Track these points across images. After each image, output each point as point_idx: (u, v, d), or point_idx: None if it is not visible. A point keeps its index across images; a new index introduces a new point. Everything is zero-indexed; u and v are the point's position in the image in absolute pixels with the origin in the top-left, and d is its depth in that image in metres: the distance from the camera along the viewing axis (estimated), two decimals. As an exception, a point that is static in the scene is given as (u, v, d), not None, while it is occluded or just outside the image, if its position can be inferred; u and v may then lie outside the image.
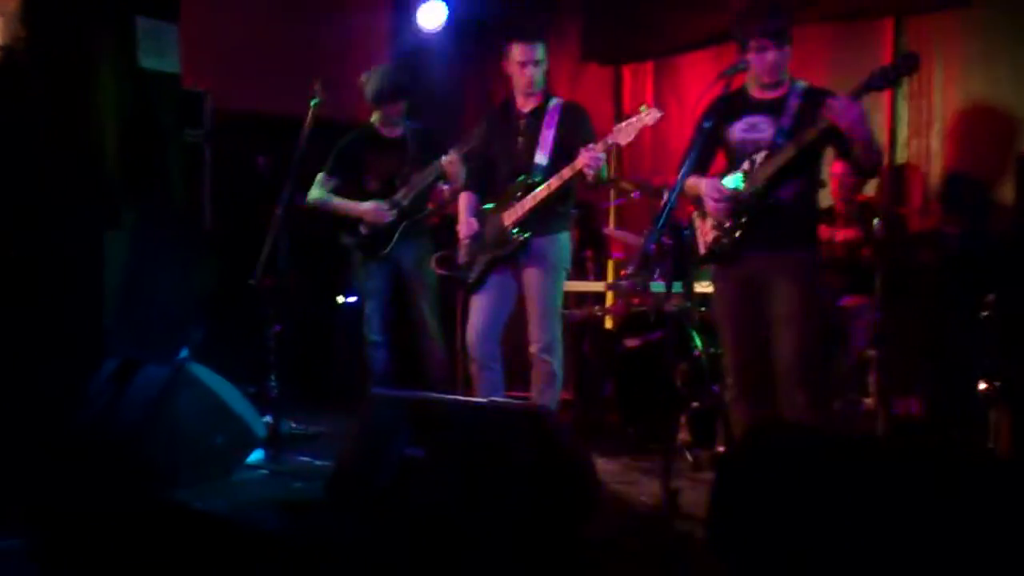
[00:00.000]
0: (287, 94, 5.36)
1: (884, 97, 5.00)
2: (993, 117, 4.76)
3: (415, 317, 4.99)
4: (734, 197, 3.57)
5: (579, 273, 5.56)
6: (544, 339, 4.20)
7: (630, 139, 3.97)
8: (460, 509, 2.97)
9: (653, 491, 3.50)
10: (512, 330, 4.42)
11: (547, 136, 4.24)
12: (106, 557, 2.91)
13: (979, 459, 3.60)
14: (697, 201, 3.72)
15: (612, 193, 5.72)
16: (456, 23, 6.45)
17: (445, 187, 4.83)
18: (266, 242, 4.54)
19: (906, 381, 4.51)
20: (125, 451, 3.77)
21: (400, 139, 5.01)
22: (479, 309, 4.32)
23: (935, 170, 4.95)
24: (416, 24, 6.41)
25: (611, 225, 5.86)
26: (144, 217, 5.00)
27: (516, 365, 4.53)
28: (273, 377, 4.65)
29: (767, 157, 3.52)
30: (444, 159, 4.61)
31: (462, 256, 4.40)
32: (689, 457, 4.37)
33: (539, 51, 4.23)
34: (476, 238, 4.36)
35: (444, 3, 6.32)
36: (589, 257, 5.63)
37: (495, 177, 4.39)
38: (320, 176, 5.02)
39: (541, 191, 4.15)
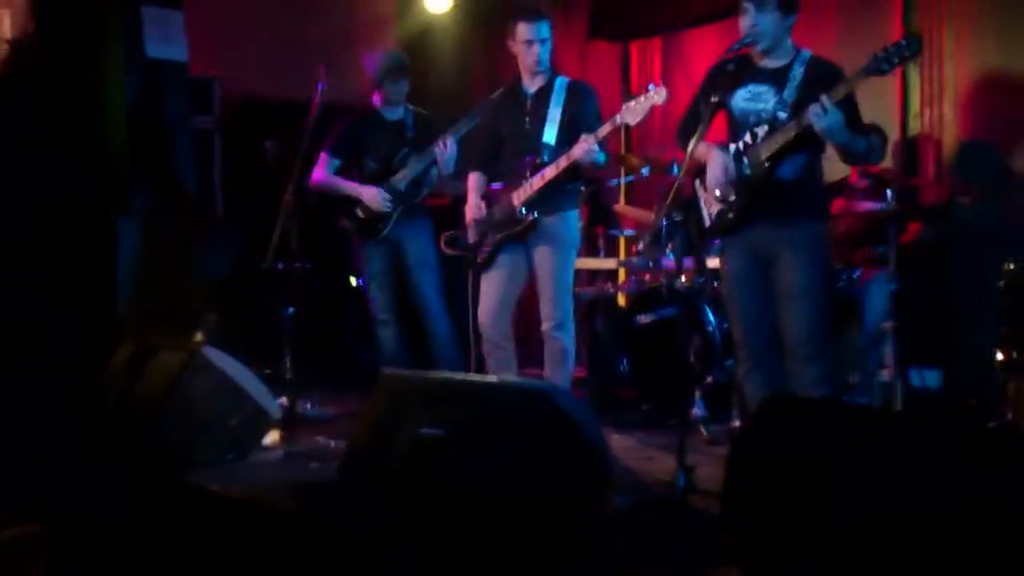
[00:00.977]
0: (294, 79, 5.37)
1: (895, 66, 4.94)
2: (1006, 85, 4.69)
3: (417, 297, 4.99)
4: (738, 175, 3.54)
5: (590, 251, 5.55)
6: (556, 317, 4.20)
7: (639, 119, 3.93)
8: (473, 488, 2.97)
9: (668, 467, 3.50)
10: (524, 309, 4.42)
11: (554, 115, 4.22)
12: (122, 540, 2.93)
13: (997, 430, 3.60)
14: (700, 171, 3.69)
15: (622, 170, 5.70)
16: (463, 4, 6.42)
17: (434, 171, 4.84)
18: (277, 226, 4.56)
19: (923, 352, 4.49)
20: (141, 435, 3.79)
21: (400, 121, 5.01)
22: (490, 289, 4.32)
23: (948, 140, 4.90)
24: (422, 6, 6.40)
25: (622, 202, 5.84)
26: (156, 204, 5.02)
27: (528, 344, 4.53)
28: (287, 359, 4.68)
29: (768, 133, 3.48)
30: (437, 145, 4.63)
31: (471, 236, 4.40)
32: (704, 432, 4.36)
33: (544, 29, 4.21)
34: (485, 218, 4.35)
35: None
36: (600, 234, 5.62)
37: (502, 156, 4.38)
38: (323, 156, 5.03)
39: (549, 171, 4.13)
